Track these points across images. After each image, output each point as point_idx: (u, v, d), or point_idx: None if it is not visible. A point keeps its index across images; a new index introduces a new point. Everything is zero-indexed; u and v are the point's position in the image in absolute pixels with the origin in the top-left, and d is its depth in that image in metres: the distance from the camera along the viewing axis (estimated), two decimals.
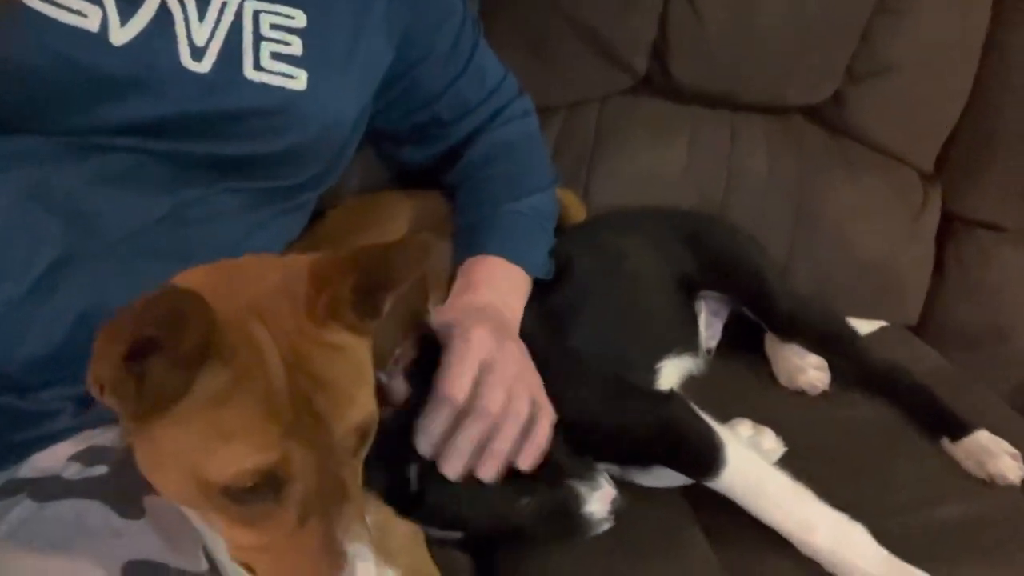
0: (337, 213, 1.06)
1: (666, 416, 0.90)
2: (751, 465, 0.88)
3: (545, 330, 0.95)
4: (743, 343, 1.21)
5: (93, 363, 0.53)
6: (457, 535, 0.86)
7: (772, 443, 0.97)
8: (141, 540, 0.64)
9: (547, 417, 0.81)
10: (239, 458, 0.53)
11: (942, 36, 1.35)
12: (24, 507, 0.64)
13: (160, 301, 0.49)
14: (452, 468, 0.76)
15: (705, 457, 0.87)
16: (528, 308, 0.95)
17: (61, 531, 0.62)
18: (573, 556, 0.84)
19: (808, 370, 1.13)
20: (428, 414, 0.77)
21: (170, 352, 0.52)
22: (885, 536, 0.84)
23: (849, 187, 1.39)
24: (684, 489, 0.94)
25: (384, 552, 0.73)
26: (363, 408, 0.59)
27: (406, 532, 0.78)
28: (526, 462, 0.78)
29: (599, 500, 0.82)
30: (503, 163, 1.04)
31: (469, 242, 0.96)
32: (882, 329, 1.35)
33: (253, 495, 0.55)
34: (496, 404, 0.77)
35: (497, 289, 0.91)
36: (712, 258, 1.16)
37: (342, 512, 0.57)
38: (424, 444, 0.77)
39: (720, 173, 1.35)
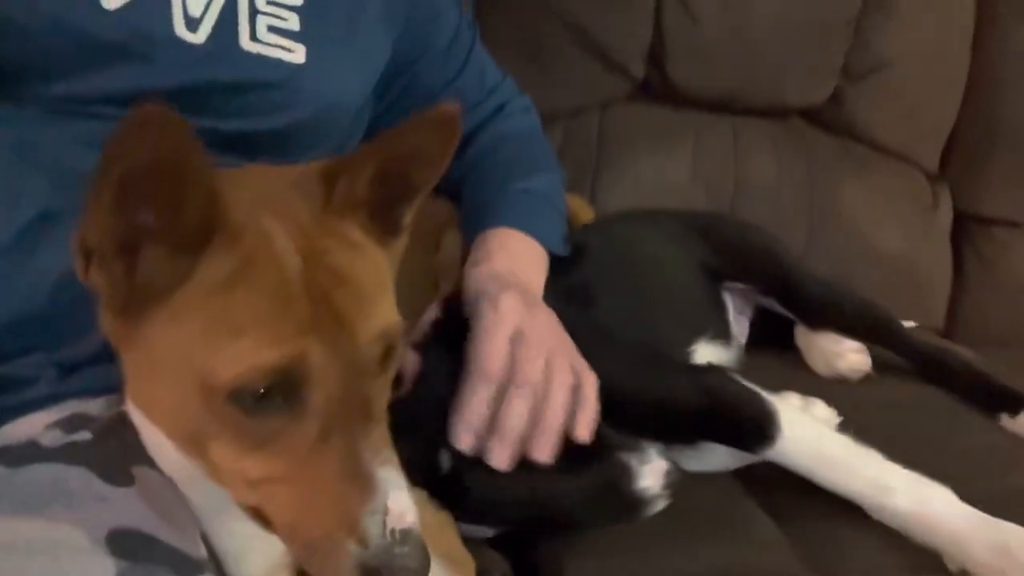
0: None
1: (709, 385, 0.82)
2: (809, 429, 0.80)
3: (568, 306, 0.88)
4: (770, 340, 1.14)
5: (80, 225, 0.46)
6: (489, 532, 0.77)
7: (824, 413, 0.89)
8: (129, 508, 0.55)
9: (591, 382, 0.73)
10: (250, 353, 0.46)
11: (930, 31, 1.36)
12: None
13: (146, 126, 0.42)
14: (501, 457, 0.66)
15: (757, 425, 0.79)
16: (546, 285, 0.89)
17: (36, 494, 0.53)
18: (624, 543, 0.74)
19: (847, 354, 1.06)
20: (464, 398, 0.68)
21: (165, 217, 0.45)
22: None
23: (859, 187, 1.37)
24: (734, 472, 0.86)
25: None
26: (388, 314, 0.52)
27: (435, 516, 0.68)
28: (584, 432, 0.69)
29: (652, 474, 0.73)
30: (507, 151, 1.00)
31: (479, 219, 0.90)
32: (913, 329, 1.29)
33: (265, 403, 0.47)
34: (537, 373, 0.68)
35: (514, 257, 0.84)
36: (729, 248, 1.10)
37: (369, 433, 0.49)
38: (464, 435, 0.67)
39: (727, 177, 1.33)
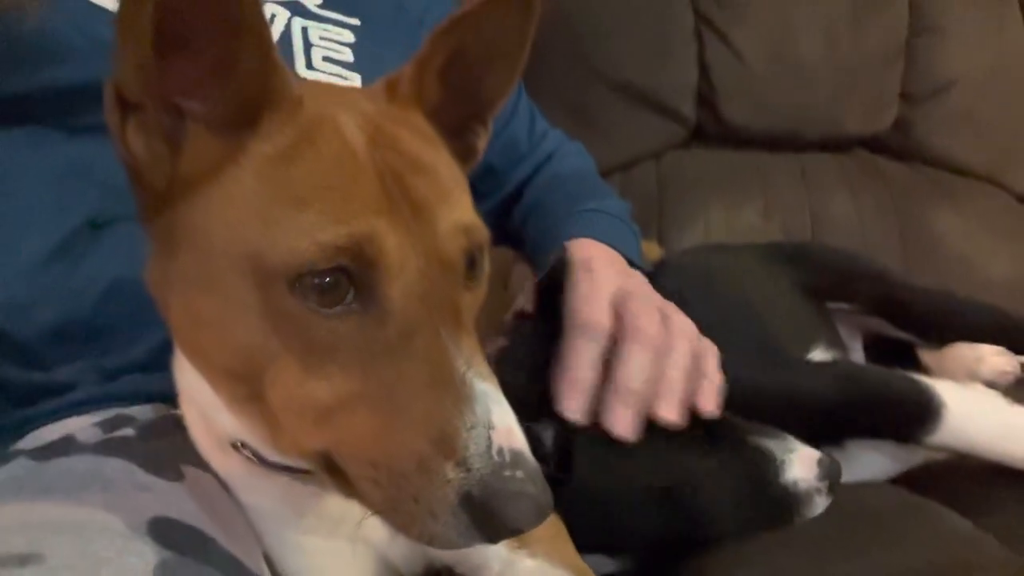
0: None
1: (847, 372, 0.70)
2: (979, 400, 0.66)
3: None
4: (891, 365, 1.00)
5: (114, 66, 0.39)
6: (610, 566, 0.62)
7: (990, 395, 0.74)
8: (175, 500, 0.45)
9: (713, 350, 0.61)
10: (313, 228, 0.37)
11: (985, 47, 1.31)
12: (18, 464, 0.46)
13: None
14: (624, 420, 0.55)
15: (914, 404, 0.65)
16: None
17: (66, 481, 0.44)
18: (785, 555, 0.59)
19: (988, 358, 0.92)
20: (567, 357, 0.57)
21: (214, 70, 0.39)
22: None
23: (949, 212, 1.28)
24: (894, 480, 0.71)
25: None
26: (470, 211, 0.43)
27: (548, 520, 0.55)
28: (709, 402, 0.57)
29: (802, 462, 0.59)
30: (567, 186, 0.95)
31: (551, 241, 0.83)
32: None
33: (334, 296, 0.38)
34: (654, 325, 0.58)
35: (594, 258, 0.76)
36: (823, 268, 0.99)
37: (461, 340, 0.39)
38: (571, 397, 0.55)
39: (802, 212, 1.25)
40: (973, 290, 1.20)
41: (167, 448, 0.49)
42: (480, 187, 0.96)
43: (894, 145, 1.30)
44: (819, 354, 0.86)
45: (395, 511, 0.38)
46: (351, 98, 0.45)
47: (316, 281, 0.38)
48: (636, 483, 0.57)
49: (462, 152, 0.50)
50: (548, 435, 0.57)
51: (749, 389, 0.66)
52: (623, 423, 0.54)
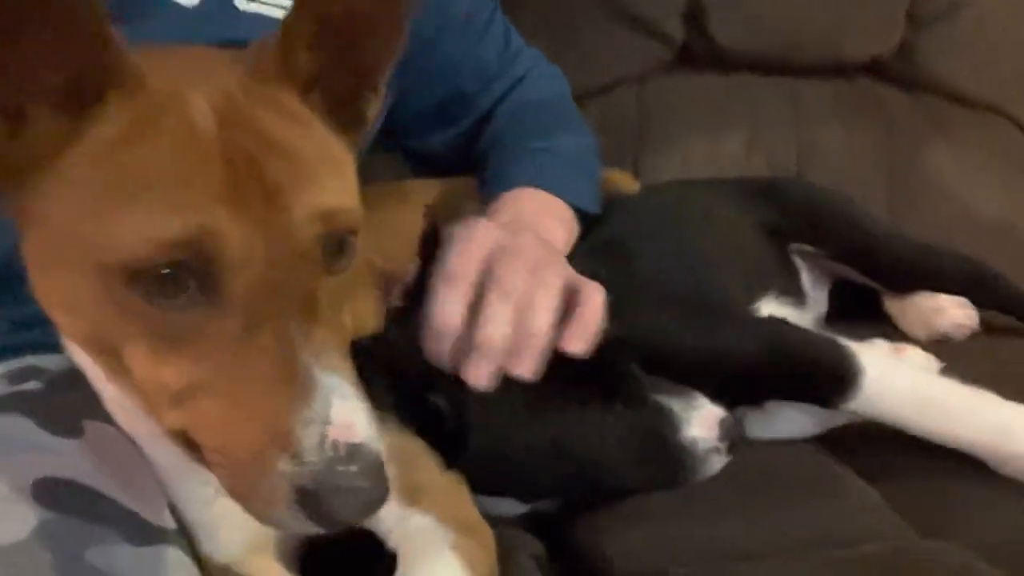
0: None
1: (773, 332, 0.69)
2: (901, 370, 0.66)
3: (599, 260, 0.77)
4: (855, 313, 0.99)
5: None
6: (521, 509, 0.65)
7: (920, 359, 0.74)
8: (69, 459, 0.48)
9: (596, 298, 0.60)
10: (145, 223, 0.37)
11: None
12: None
13: None
14: (478, 372, 0.56)
15: (834, 370, 0.65)
16: (579, 240, 0.79)
17: None
18: (682, 511, 0.60)
19: (949, 309, 0.90)
20: (430, 307, 0.58)
21: (47, 56, 0.38)
22: None
23: (945, 146, 1.22)
24: (814, 438, 0.71)
25: (408, 490, 0.54)
26: (336, 195, 0.43)
27: (441, 476, 0.57)
28: (575, 343, 0.57)
29: (702, 421, 0.61)
30: (530, 116, 0.92)
31: (493, 185, 0.81)
32: None
33: (174, 289, 0.38)
34: (519, 282, 0.58)
35: (522, 210, 0.74)
36: (793, 208, 0.97)
37: (310, 330, 0.40)
38: (435, 344, 0.57)
39: (789, 146, 1.20)
40: (961, 231, 1.18)
41: (71, 403, 0.51)
42: (450, 112, 0.94)
43: (896, 71, 1.23)
44: (767, 303, 0.85)
45: (239, 495, 0.40)
46: (208, 70, 0.43)
47: (153, 275, 0.38)
48: (529, 437, 0.58)
49: (352, 120, 0.49)
50: (442, 400, 0.58)
51: (672, 353, 0.67)
52: (475, 374, 0.55)
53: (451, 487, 0.57)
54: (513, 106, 0.93)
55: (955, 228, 1.18)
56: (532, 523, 0.65)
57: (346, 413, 0.38)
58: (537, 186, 0.79)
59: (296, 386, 0.38)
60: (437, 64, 0.90)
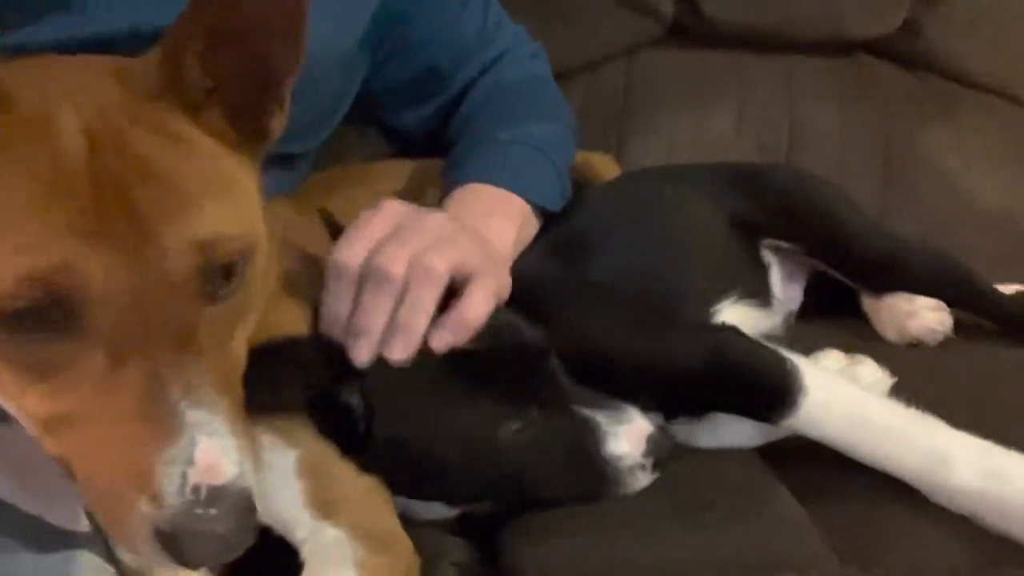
0: (321, 175, 0.94)
1: (717, 343, 0.67)
2: (842, 390, 0.63)
3: (555, 259, 0.76)
4: (832, 307, 0.96)
5: None
6: (450, 513, 0.65)
7: (872, 373, 0.72)
8: None
9: (485, 283, 0.59)
10: (0, 257, 0.37)
11: None
12: None
13: None
14: (358, 351, 0.56)
15: (774, 386, 0.63)
16: (541, 234, 0.78)
17: None
18: (604, 524, 0.60)
19: (921, 312, 0.87)
20: (323, 294, 0.59)
21: None
22: None
23: (944, 129, 1.17)
24: (756, 449, 0.70)
25: (321, 504, 0.54)
26: (217, 223, 0.42)
27: (356, 482, 0.57)
28: (439, 339, 0.56)
29: (628, 437, 0.59)
30: (502, 100, 0.90)
31: (448, 177, 0.80)
32: (1019, 293, 1.07)
33: (36, 323, 0.38)
34: (397, 265, 0.57)
35: (469, 209, 0.73)
36: (769, 200, 0.93)
37: (182, 364, 0.39)
38: (330, 333, 0.58)
39: (781, 126, 1.16)
40: (958, 219, 1.15)
41: None
42: (424, 89, 0.92)
43: (899, 49, 1.18)
44: (728, 306, 0.83)
45: (107, 527, 0.40)
46: (87, 86, 0.42)
47: (11, 311, 0.37)
48: (437, 438, 0.57)
49: (254, 133, 0.48)
50: (354, 399, 0.57)
51: (608, 350, 0.66)
52: (356, 355, 0.56)
53: (368, 497, 0.57)
54: (486, 89, 0.91)
55: (951, 216, 1.15)
56: (465, 527, 0.65)
57: (211, 453, 0.38)
58: (492, 182, 0.77)
59: (160, 424, 0.38)
60: (413, 37, 0.88)
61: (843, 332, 0.92)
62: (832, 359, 0.73)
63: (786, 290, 0.96)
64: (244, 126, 0.46)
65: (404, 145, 1.00)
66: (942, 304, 0.88)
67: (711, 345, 0.66)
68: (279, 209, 0.69)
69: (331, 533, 0.54)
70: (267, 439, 0.54)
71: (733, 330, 0.69)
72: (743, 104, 1.15)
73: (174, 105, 0.43)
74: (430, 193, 0.88)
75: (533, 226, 0.79)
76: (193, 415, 0.38)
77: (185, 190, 0.41)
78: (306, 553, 0.54)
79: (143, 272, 0.39)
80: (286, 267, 0.62)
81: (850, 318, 0.94)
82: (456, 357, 0.57)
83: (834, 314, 0.96)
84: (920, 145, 1.16)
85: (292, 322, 0.58)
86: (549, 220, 0.81)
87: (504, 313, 0.61)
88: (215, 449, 0.38)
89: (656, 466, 0.60)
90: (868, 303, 0.94)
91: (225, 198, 0.43)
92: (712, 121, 1.15)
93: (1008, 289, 1.05)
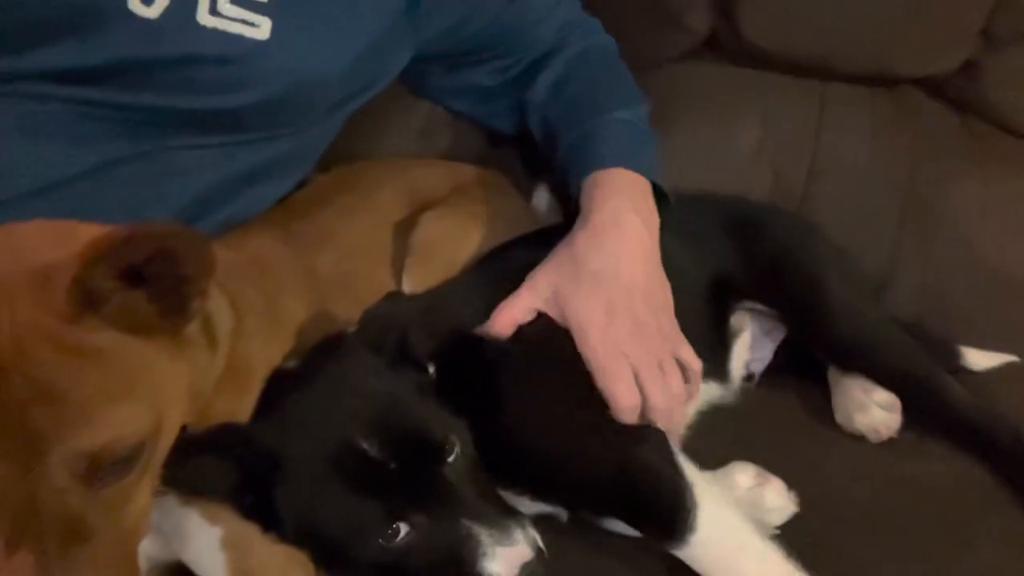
0: (321, 178, 0.97)
1: (631, 456, 0.71)
2: (728, 534, 0.68)
3: (526, 334, 0.79)
4: (802, 369, 0.98)
5: None
6: None
7: (778, 499, 0.75)
8: None
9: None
10: None
11: None
12: None
13: None
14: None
15: (670, 516, 0.68)
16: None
17: None
18: None
19: (871, 408, 0.89)
20: (607, 395, 0.75)
21: None
22: None
23: (978, 180, 1.11)
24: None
25: (241, 571, 0.62)
26: (110, 429, 0.48)
27: (277, 553, 0.65)
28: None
29: (505, 559, 0.63)
30: (600, 72, 0.95)
31: (582, 162, 0.85)
32: (1008, 365, 1.05)
33: None
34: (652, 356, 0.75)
35: (616, 211, 0.80)
36: (766, 253, 0.94)
37: (67, 553, 0.46)
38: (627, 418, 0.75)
39: (803, 155, 1.11)
40: (964, 278, 1.11)
41: None
42: (496, 49, 0.95)
43: (952, 91, 1.09)
44: None
45: None
46: (20, 294, 0.46)
47: None
48: (332, 532, 0.63)
49: (172, 307, 0.52)
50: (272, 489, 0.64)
51: (526, 448, 0.71)
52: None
53: (287, 566, 0.66)
54: (573, 54, 0.94)
55: (960, 273, 1.11)
56: None
57: None
58: (627, 167, 0.83)
59: None
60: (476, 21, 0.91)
61: (796, 405, 0.95)
62: (744, 475, 0.77)
63: (756, 350, 0.98)
64: (165, 307, 0.51)
65: (472, 109, 1.03)
66: (896, 403, 0.89)
67: (621, 457, 0.71)
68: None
69: None
70: (195, 517, 0.62)
71: (656, 444, 0.73)
72: (766, 126, 1.10)
73: (86, 312, 0.47)
74: (432, 214, 0.91)
75: (653, 213, 0.85)
76: None
77: (81, 405, 0.46)
78: None
79: (34, 482, 0.45)
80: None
81: (813, 384, 0.97)
82: (356, 453, 0.62)
83: (799, 376, 0.98)
84: (946, 195, 1.10)
85: (229, 412, 0.65)
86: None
87: (416, 406, 0.67)
88: None
89: None
90: (832, 377, 0.95)
91: (125, 401, 0.48)
92: (730, 140, 1.10)
93: (997, 359, 1.05)
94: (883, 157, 1.11)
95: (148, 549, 0.65)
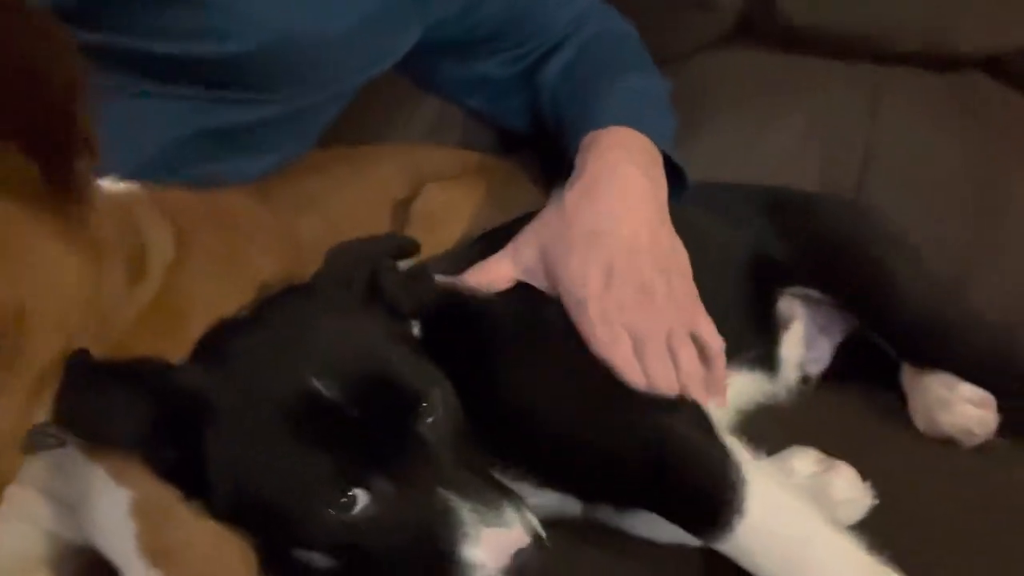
0: (318, 152, 0.89)
1: (660, 426, 0.57)
2: (787, 519, 0.53)
3: (514, 303, 0.67)
4: (868, 374, 0.82)
5: None
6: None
7: (850, 489, 0.60)
8: None
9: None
10: None
11: None
12: None
13: None
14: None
15: (711, 497, 0.53)
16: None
17: None
18: None
19: (959, 405, 0.73)
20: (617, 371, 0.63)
21: None
22: None
23: None
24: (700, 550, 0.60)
25: (153, 551, 0.50)
26: None
27: (203, 529, 0.51)
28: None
29: (493, 543, 0.47)
30: (610, 51, 0.88)
31: (583, 120, 0.77)
32: None
33: None
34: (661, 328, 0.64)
35: (608, 163, 0.71)
36: (814, 234, 0.81)
37: None
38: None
39: (855, 145, 1.00)
40: None
41: None
42: (508, 38, 0.90)
43: (1017, 72, 0.98)
44: None
45: None
46: None
47: None
48: (275, 495, 0.50)
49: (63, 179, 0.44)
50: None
51: (538, 426, 0.57)
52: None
53: (211, 546, 0.52)
54: (588, 36, 0.89)
55: None
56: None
57: None
58: (628, 125, 0.74)
59: None
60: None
61: (863, 410, 0.79)
62: (804, 461, 0.62)
63: (811, 350, 0.83)
64: (48, 170, 0.42)
65: (480, 99, 0.97)
66: (989, 399, 0.73)
67: (651, 434, 0.57)
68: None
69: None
70: (100, 474, 0.50)
71: (687, 417, 0.59)
72: (813, 114, 1.00)
73: None
74: (434, 184, 0.83)
75: (661, 178, 0.74)
76: None
77: None
78: None
79: None
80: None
81: (883, 392, 0.81)
82: (308, 397, 0.49)
83: (867, 383, 0.82)
84: (1011, 187, 0.97)
85: (151, 352, 0.53)
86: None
87: (389, 348, 0.54)
88: None
89: None
90: (907, 377, 0.80)
91: None
92: (774, 131, 1.00)
93: None
94: (947, 147, 0.99)
95: (51, 525, 0.54)
